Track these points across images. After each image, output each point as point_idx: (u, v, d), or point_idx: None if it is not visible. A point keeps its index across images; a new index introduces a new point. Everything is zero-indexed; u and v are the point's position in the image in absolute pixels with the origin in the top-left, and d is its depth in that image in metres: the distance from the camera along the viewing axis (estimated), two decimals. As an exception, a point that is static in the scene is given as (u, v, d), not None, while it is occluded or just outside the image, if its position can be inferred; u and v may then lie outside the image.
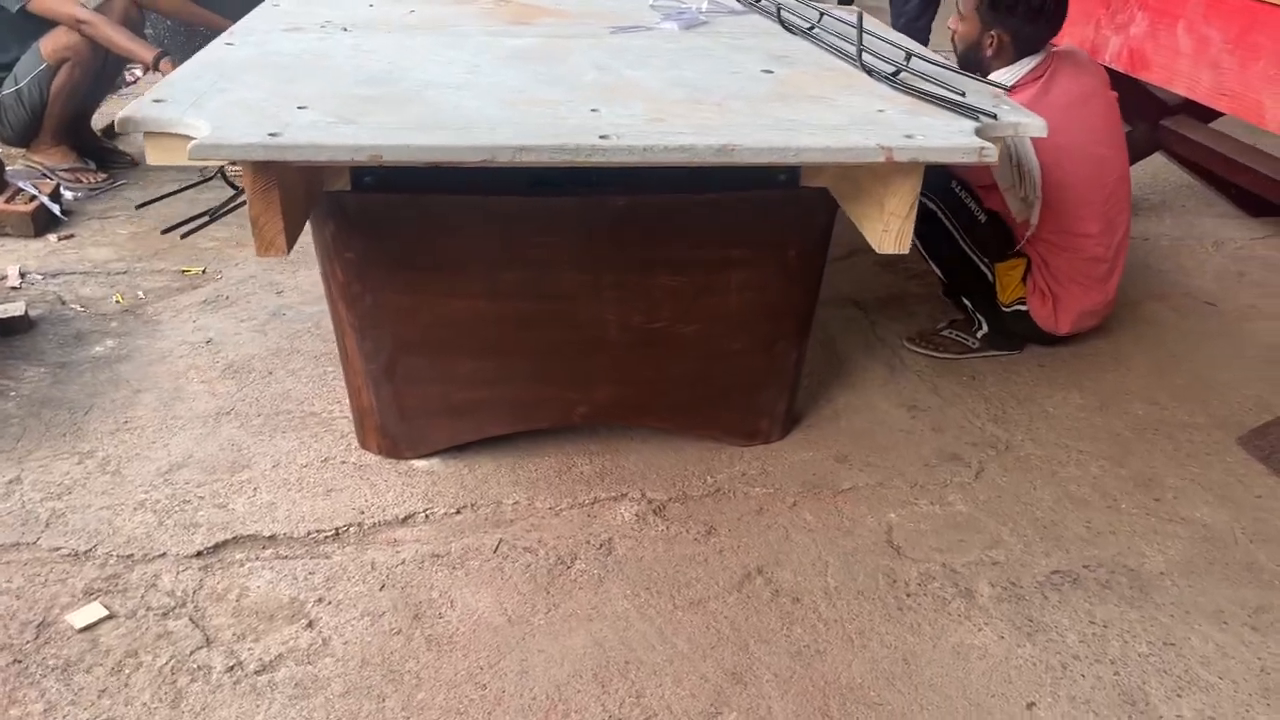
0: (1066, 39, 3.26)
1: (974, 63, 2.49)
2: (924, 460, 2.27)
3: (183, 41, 4.53)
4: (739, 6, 2.62)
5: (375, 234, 1.98)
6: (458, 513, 2.06)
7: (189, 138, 1.59)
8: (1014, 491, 2.18)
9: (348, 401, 2.38)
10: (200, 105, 1.66)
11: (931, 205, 2.46)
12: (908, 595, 1.88)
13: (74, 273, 3.00)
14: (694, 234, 2.04)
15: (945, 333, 2.66)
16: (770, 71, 2.02)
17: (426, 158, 1.55)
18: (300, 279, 3.00)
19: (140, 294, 2.89)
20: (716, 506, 2.10)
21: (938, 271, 2.64)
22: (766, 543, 2.00)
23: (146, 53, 3.32)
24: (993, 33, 2.44)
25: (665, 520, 2.05)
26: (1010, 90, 2.13)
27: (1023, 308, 2.58)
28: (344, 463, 2.20)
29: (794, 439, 2.32)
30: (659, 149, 1.57)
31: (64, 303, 2.82)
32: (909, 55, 2.00)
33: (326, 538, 1.98)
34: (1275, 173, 3.49)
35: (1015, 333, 2.64)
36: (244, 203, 1.84)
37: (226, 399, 2.41)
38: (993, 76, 2.43)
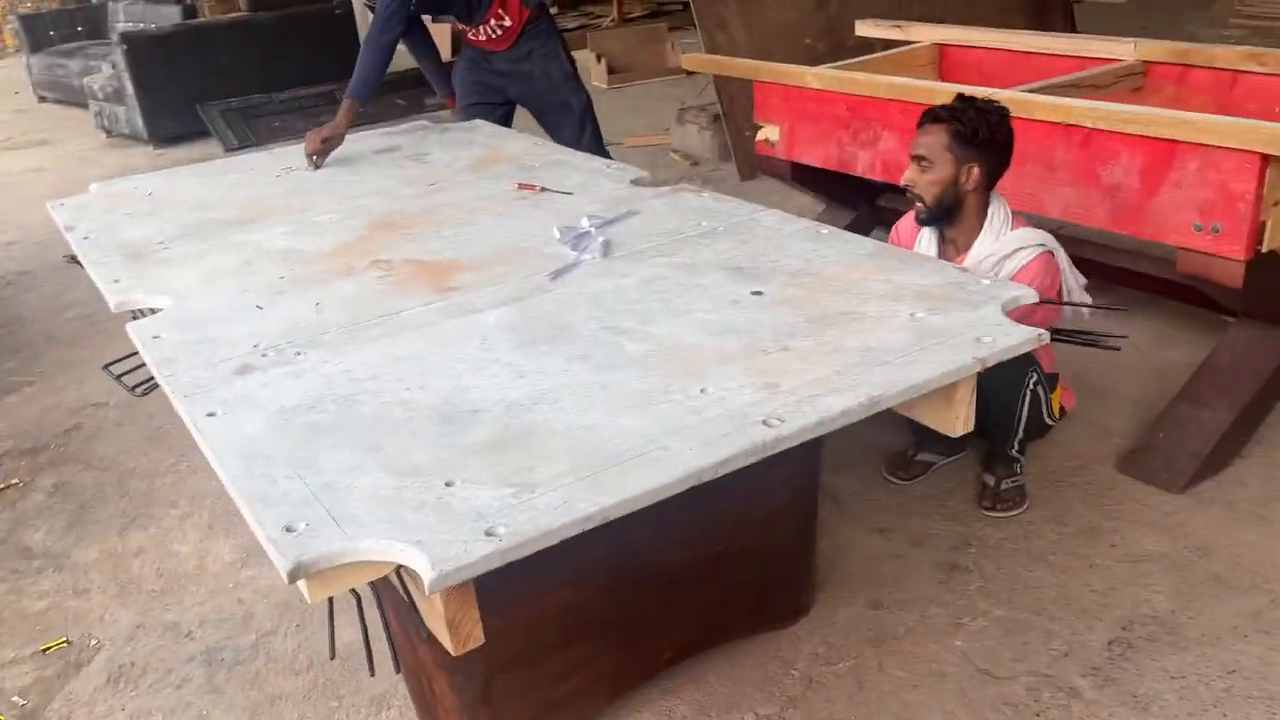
0: (809, 158, 3.70)
1: (950, 202, 2.60)
2: (934, 579, 2.51)
3: None
4: (607, 213, 2.70)
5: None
6: (612, 811, 1.98)
7: (372, 564, 1.44)
8: (1022, 580, 2.48)
9: (394, 737, 2.18)
10: (348, 517, 1.48)
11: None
12: (1039, 712, 2.11)
13: (-105, 704, 2.40)
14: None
15: (1005, 487, 2.75)
16: (759, 293, 2.15)
17: (647, 501, 1.52)
18: (190, 613, 2.61)
19: (17, 699, 2.38)
20: (824, 697, 2.19)
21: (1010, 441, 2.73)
22: (893, 715, 2.13)
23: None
24: (969, 166, 2.55)
25: (796, 731, 2.11)
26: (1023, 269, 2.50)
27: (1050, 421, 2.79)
28: (453, 808, 2.01)
29: (820, 601, 2.47)
30: (828, 421, 1.66)
31: (-74, 750, 2.26)
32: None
33: None
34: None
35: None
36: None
37: (253, 789, 2.09)
38: (983, 239, 2.60)
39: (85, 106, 8.86)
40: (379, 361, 1.99)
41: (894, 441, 3.03)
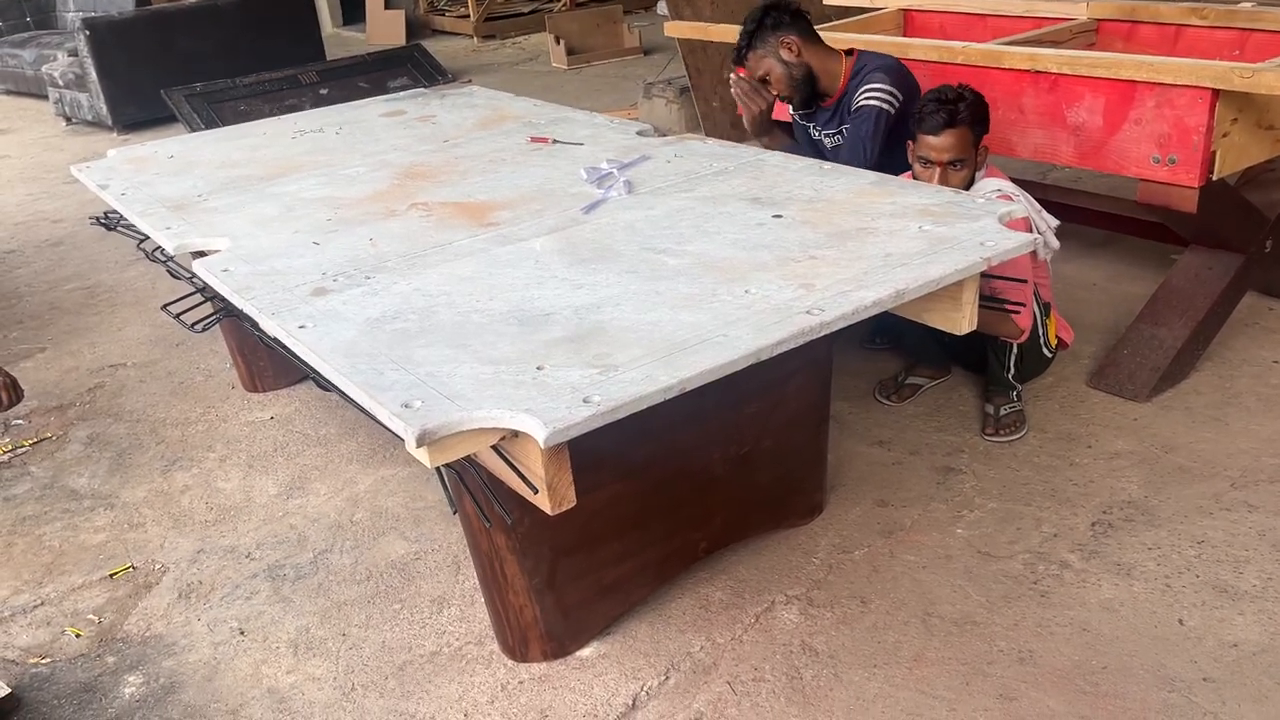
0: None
1: (968, 185, 2.84)
2: (933, 480, 2.78)
3: None
4: (623, 158, 2.92)
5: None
6: (666, 677, 2.21)
7: (486, 430, 1.65)
8: (1011, 479, 2.76)
9: (455, 629, 2.40)
10: (457, 394, 1.69)
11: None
12: (1036, 581, 2.38)
13: (-26, 628, 2.55)
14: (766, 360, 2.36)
15: (1005, 412, 2.97)
16: (780, 216, 2.39)
17: (717, 375, 1.75)
18: (245, 538, 2.79)
19: (93, 618, 2.54)
20: (845, 579, 2.44)
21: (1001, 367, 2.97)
22: (907, 590, 2.39)
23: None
24: (980, 147, 2.85)
25: (824, 608, 2.36)
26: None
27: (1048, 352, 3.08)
28: (522, 682, 2.23)
29: (830, 503, 2.72)
30: (862, 309, 1.91)
31: (15, 663, 2.41)
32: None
33: (590, 752, 2.04)
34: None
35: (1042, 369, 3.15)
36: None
37: (335, 678, 2.28)
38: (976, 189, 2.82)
39: (40, 96, 8.83)
40: (445, 281, 2.20)
41: (885, 371, 3.31)
